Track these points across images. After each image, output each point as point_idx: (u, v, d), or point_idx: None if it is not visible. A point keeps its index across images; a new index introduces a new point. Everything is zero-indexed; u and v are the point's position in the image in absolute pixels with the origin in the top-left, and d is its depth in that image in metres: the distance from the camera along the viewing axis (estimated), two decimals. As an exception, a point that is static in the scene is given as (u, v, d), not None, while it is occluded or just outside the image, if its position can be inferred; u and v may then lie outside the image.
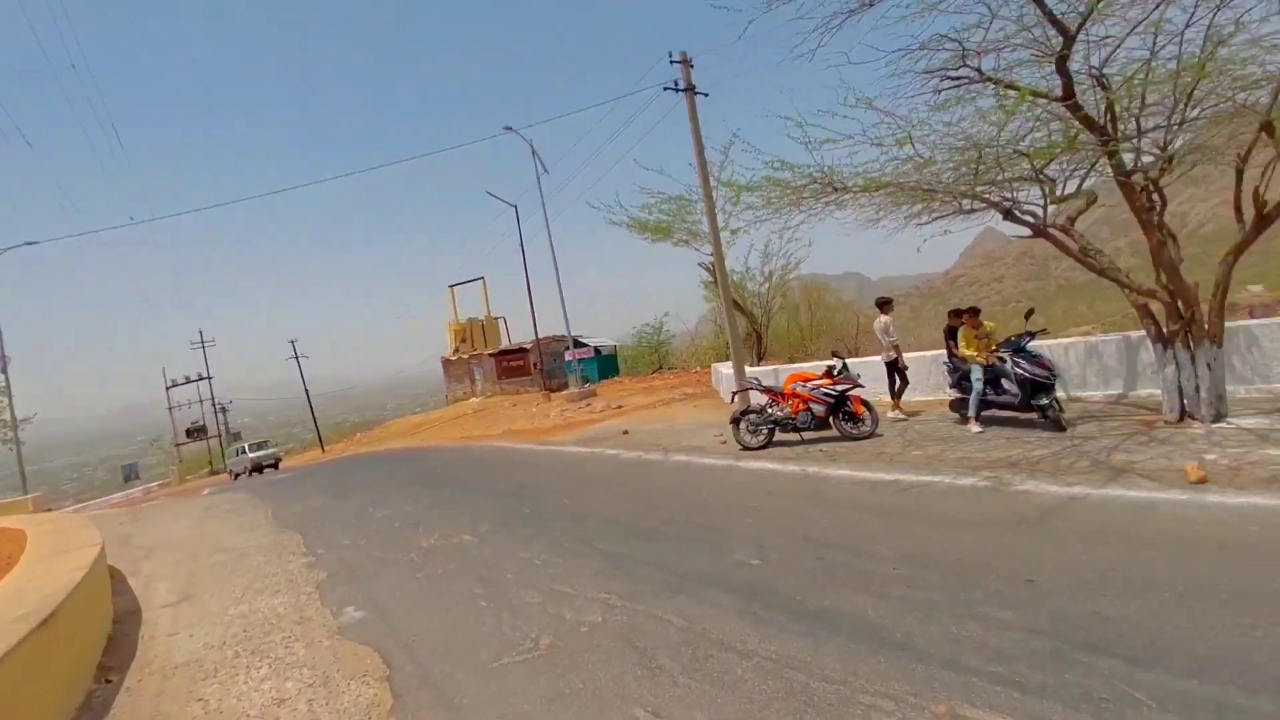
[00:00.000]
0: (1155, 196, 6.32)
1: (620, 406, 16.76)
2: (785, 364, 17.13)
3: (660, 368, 31.38)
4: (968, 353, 7.80)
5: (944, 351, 8.65)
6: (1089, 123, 6.04)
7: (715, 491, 6.93)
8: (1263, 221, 5.77)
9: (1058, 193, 7.12)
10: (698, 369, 26.18)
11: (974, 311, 7.90)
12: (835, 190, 7.82)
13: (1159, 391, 7.87)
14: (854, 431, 8.17)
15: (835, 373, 8.47)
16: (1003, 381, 7.80)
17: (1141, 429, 6.44)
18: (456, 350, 43.51)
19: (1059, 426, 6.87)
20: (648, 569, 4.72)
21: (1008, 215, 7.00)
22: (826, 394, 8.27)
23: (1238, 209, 6.02)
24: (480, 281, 44.09)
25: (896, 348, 9.04)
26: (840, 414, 8.32)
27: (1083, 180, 7.49)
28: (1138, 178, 6.28)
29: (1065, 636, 2.91)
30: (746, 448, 8.66)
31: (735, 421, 8.83)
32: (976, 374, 7.67)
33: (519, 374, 35.98)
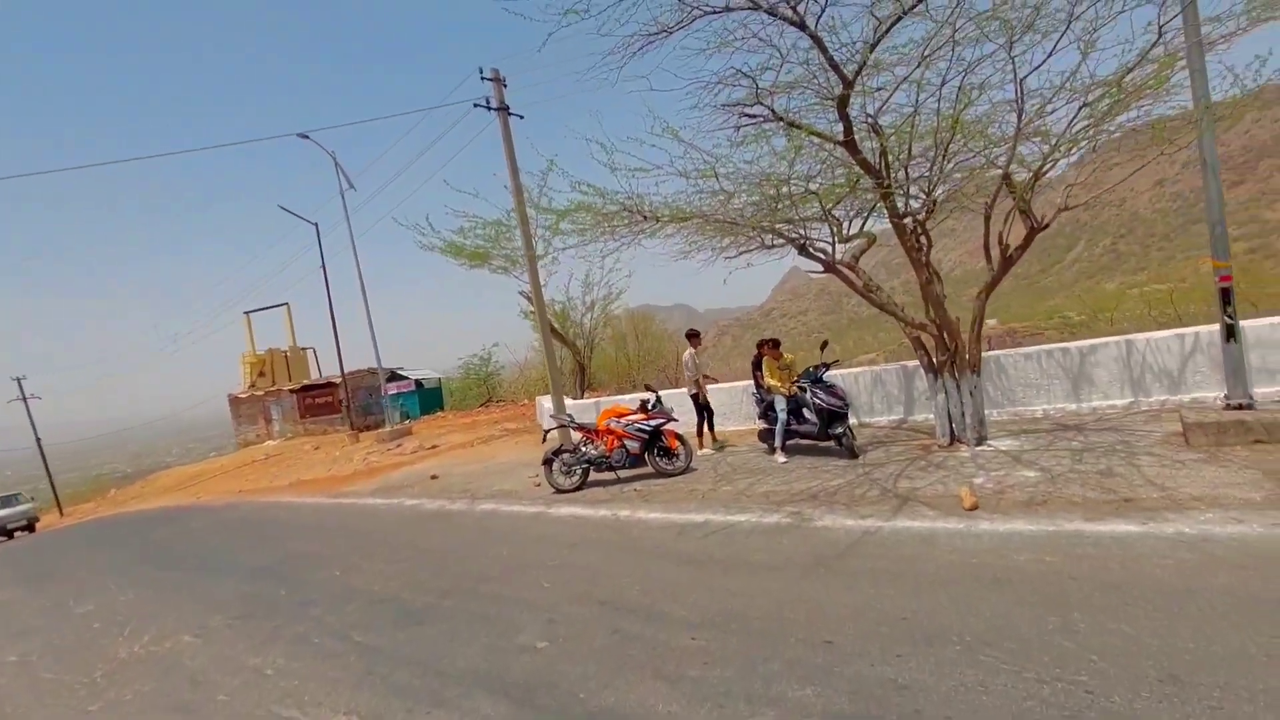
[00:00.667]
0: (923, 238, 6.88)
1: (434, 446, 15.21)
2: (613, 394, 16.86)
3: (489, 401, 29.79)
4: (772, 383, 7.91)
5: (753, 382, 8.77)
6: (867, 166, 6.40)
7: (515, 547, 6.11)
8: (1007, 262, 6.48)
9: (844, 232, 7.53)
10: (525, 401, 25.17)
11: (774, 344, 8.07)
12: (644, 219, 7.59)
13: (933, 416, 8.63)
14: (668, 468, 7.87)
15: (650, 406, 8.16)
16: (804, 411, 8.02)
17: (920, 453, 6.86)
18: (252, 386, 37.67)
19: (852, 454, 7.13)
20: (408, 670, 3.75)
21: (802, 251, 7.23)
22: (640, 429, 7.90)
23: (987, 252, 6.73)
24: (284, 308, 38.91)
25: (698, 382, 8.95)
26: (655, 449, 7.98)
27: (865, 221, 8.05)
28: (908, 220, 6.79)
29: (866, 718, 2.56)
30: (560, 490, 7.97)
31: (548, 462, 8.11)
32: (780, 404, 7.79)
33: (326, 412, 31.99)
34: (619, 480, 8.04)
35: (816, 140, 6.54)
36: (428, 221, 13.71)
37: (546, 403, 14.22)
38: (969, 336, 6.74)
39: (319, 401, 32.15)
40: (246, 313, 38.20)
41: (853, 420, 7.59)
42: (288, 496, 13.50)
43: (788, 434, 7.83)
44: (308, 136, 19.71)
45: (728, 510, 5.98)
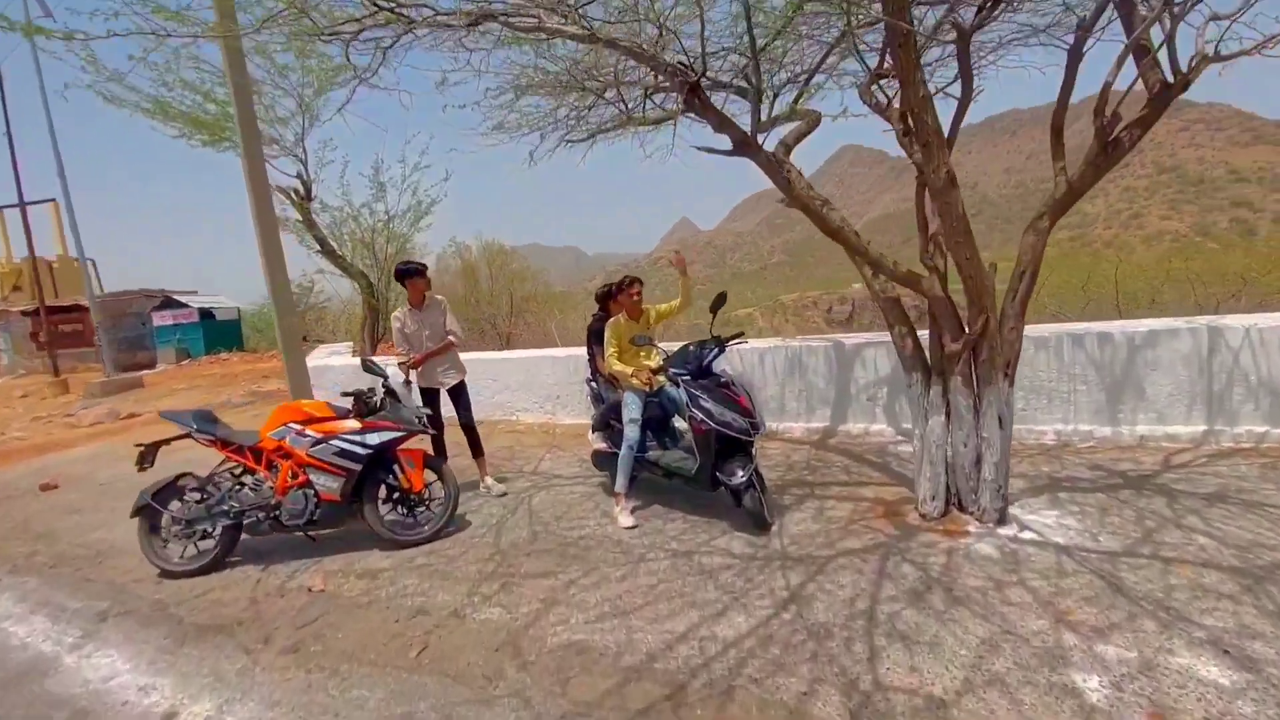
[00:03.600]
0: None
1: (131, 415, 9.99)
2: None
3: (304, 339, 23.87)
4: (617, 368, 4.14)
5: (588, 363, 4.94)
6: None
7: None
8: (1109, 150, 3.05)
9: (767, 109, 3.85)
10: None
11: (631, 288, 4.26)
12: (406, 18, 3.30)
13: (884, 426, 5.32)
14: (403, 533, 3.93)
15: (373, 403, 4.05)
16: (675, 423, 4.40)
17: (887, 530, 3.47)
18: (4, 299, 28.25)
19: (761, 523, 3.61)
20: None
21: (693, 97, 3.34)
22: (350, 449, 3.82)
23: (1057, 132, 3.28)
24: (50, 205, 29.08)
25: (408, 365, 4.64)
26: (378, 489, 4.00)
27: (802, 90, 4.49)
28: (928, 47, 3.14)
29: None
30: (167, 571, 3.79)
31: (143, 514, 3.82)
32: (632, 410, 4.07)
33: (75, 343, 24.32)
34: (306, 539, 4.00)
35: None
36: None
37: (329, 359, 9.59)
38: (1008, 305, 3.33)
39: (65, 330, 24.34)
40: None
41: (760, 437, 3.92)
42: None
43: (642, 463, 4.18)
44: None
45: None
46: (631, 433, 4.03)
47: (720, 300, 4.09)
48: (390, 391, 4.01)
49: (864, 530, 3.53)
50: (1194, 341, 4.41)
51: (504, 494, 4.72)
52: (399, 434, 3.93)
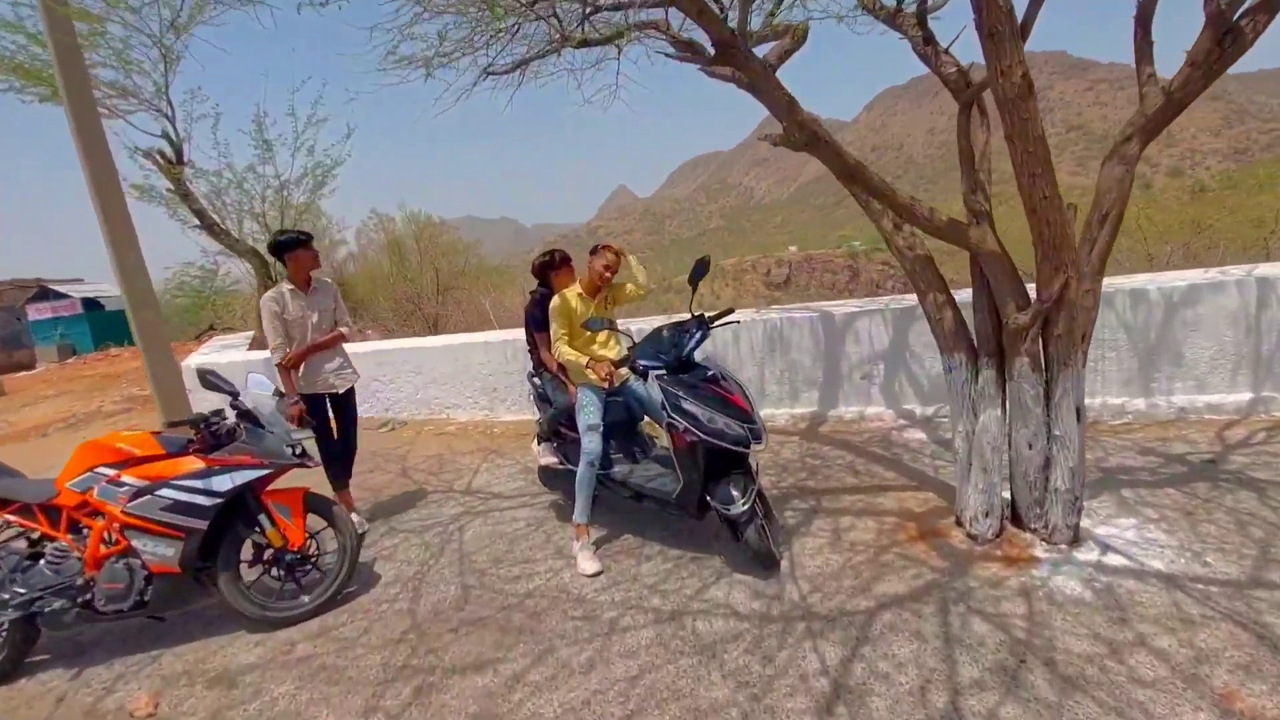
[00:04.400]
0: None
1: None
2: (380, 337, 10.96)
3: (208, 330, 21.52)
4: (569, 355, 3.13)
5: (529, 353, 3.90)
6: None
7: None
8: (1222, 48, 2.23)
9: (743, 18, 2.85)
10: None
11: (599, 252, 3.20)
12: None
13: (882, 409, 4.57)
14: (277, 608, 2.85)
15: (225, 429, 2.90)
16: (640, 435, 3.47)
17: (930, 559, 2.67)
18: None
19: (769, 562, 2.73)
20: None
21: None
22: (189, 500, 2.68)
23: (1143, 22, 2.43)
24: None
25: (287, 361, 3.59)
26: (244, 545, 2.89)
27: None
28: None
29: None
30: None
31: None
32: (589, 414, 3.09)
33: (-68, 343, 21.10)
34: (151, 620, 2.87)
35: None
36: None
37: (214, 353, 8.11)
38: (1084, 262, 2.51)
39: (-83, 328, 21.04)
40: None
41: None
42: None
43: (607, 482, 3.24)
44: None
45: None
46: (592, 444, 3.05)
47: (701, 268, 3.11)
48: (245, 413, 2.86)
49: (901, 562, 2.70)
50: (1240, 296, 3.78)
51: (364, 531, 3.64)
52: (263, 471, 2.80)
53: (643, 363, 2.95)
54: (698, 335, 2.94)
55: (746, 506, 2.67)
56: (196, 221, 8.58)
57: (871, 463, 3.88)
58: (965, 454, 2.78)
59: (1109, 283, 4.10)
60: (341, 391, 3.78)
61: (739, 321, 3.67)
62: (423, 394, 6.21)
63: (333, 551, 3.00)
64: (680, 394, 2.75)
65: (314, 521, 2.98)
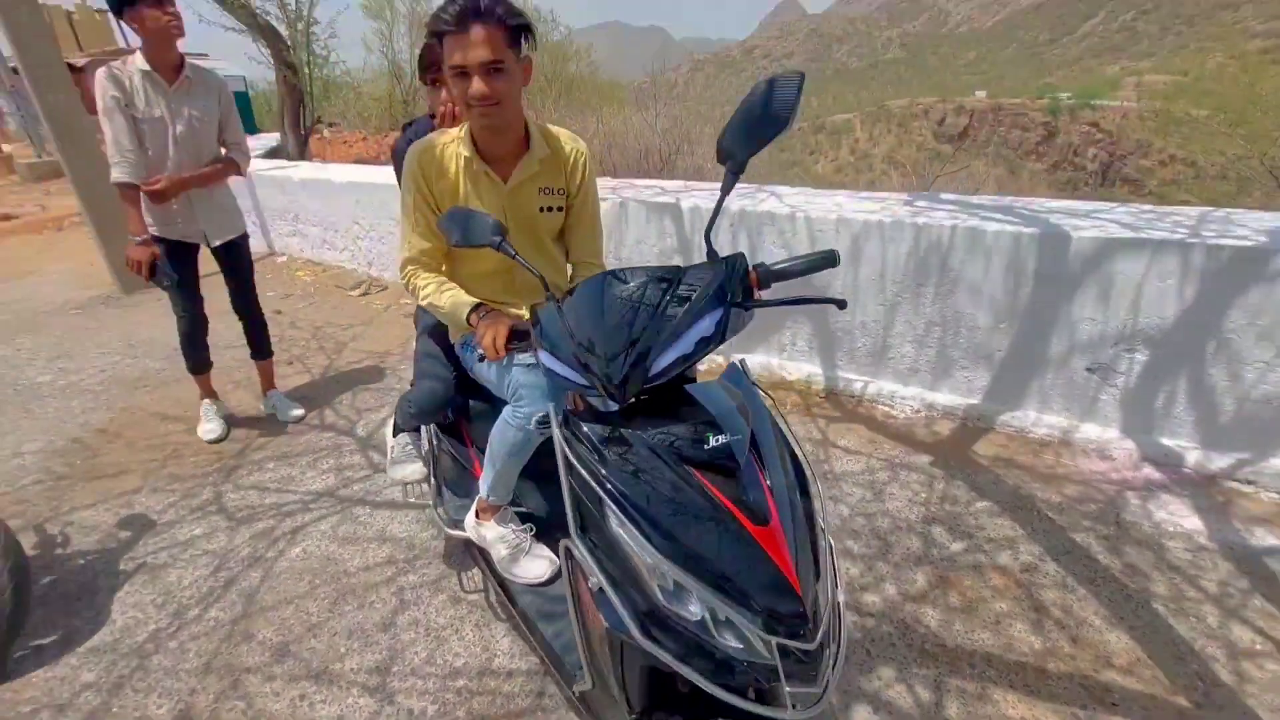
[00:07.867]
0: None
1: (5, 218, 7.73)
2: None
3: (318, 122, 20.83)
4: (428, 291, 1.27)
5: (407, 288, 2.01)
6: None
7: None
8: None
9: None
10: (362, 136, 16.66)
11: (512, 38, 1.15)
12: None
13: (1118, 435, 2.30)
14: None
15: None
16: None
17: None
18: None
19: None
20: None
21: None
22: None
23: None
24: None
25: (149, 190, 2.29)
26: None
27: None
28: None
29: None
30: None
31: None
32: (516, 415, 1.27)
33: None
34: None
35: None
36: None
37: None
38: None
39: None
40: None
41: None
42: None
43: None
44: None
45: None
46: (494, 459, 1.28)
47: (778, 93, 0.98)
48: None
49: None
50: None
51: (300, 417, 2.87)
52: None
53: (546, 359, 1.02)
54: (706, 322, 0.93)
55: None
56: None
57: (1071, 570, 1.80)
58: None
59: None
60: (223, 241, 2.59)
61: (844, 304, 1.26)
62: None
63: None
64: (610, 483, 0.84)
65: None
